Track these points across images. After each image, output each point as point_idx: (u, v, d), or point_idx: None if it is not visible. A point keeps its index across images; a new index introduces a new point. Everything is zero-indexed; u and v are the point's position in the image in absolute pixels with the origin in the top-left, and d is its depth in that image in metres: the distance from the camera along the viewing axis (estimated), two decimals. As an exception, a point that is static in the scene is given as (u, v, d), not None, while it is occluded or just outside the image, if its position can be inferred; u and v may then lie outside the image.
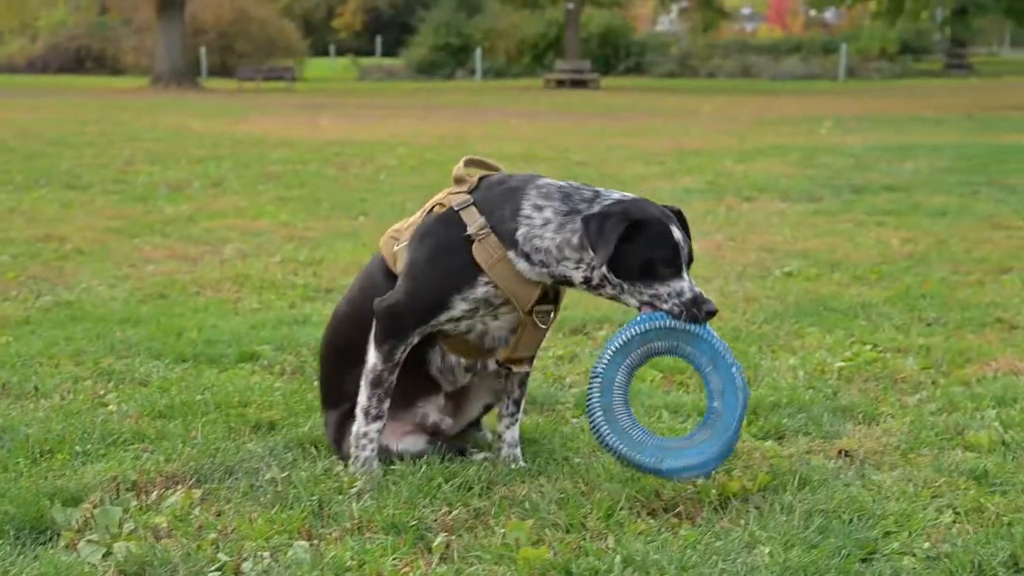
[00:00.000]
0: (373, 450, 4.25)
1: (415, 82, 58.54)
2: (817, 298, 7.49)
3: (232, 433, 4.76)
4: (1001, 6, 54.69)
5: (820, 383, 5.56)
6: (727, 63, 62.31)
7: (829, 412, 5.06)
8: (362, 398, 4.24)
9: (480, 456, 4.44)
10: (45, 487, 4.06)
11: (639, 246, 3.91)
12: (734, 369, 4.03)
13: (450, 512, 3.88)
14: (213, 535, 3.71)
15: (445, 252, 4.10)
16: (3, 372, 5.65)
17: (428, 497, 4.00)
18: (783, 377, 5.66)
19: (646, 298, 3.98)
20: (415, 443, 4.42)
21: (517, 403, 4.45)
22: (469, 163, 4.33)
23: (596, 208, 3.98)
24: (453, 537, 3.71)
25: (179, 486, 4.14)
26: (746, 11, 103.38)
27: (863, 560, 3.59)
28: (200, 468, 4.31)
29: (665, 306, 3.96)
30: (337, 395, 4.48)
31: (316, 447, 4.54)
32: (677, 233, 3.97)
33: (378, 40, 79.54)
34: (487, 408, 4.64)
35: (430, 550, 3.63)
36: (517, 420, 4.46)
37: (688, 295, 3.96)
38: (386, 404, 4.24)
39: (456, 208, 4.13)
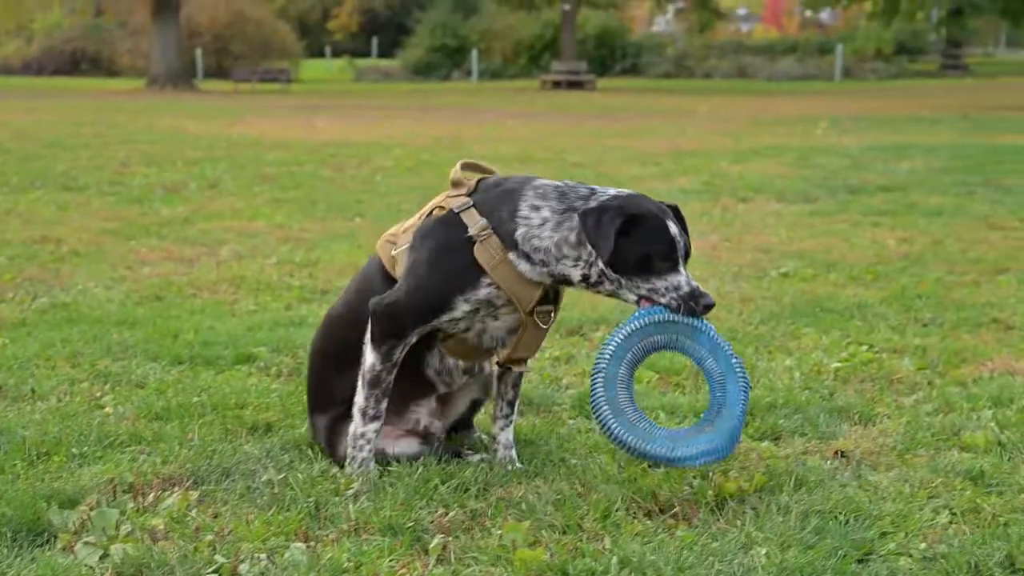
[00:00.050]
0: (370, 451, 4.26)
1: (411, 83, 58.52)
2: (813, 299, 7.50)
3: (229, 435, 4.76)
4: (996, 7, 54.71)
5: (816, 384, 5.57)
6: (723, 64, 62.31)
7: (825, 413, 5.07)
8: (359, 398, 4.24)
9: (476, 458, 4.44)
10: (42, 489, 4.06)
11: (636, 240, 3.94)
12: (734, 359, 4.07)
13: (447, 514, 3.88)
14: (210, 537, 3.71)
15: (447, 253, 4.10)
16: (0, 374, 5.65)
17: (425, 499, 4.00)
18: (779, 378, 5.66)
19: (644, 292, 4.01)
20: (409, 446, 4.42)
21: (511, 404, 4.46)
22: (465, 167, 4.34)
23: (593, 204, 4.00)
24: (450, 539, 3.71)
25: (176, 488, 4.14)
26: (742, 12, 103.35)
27: (859, 561, 3.59)
28: (197, 470, 4.31)
29: (663, 300, 3.99)
30: (328, 399, 4.48)
31: (313, 449, 4.54)
32: (673, 227, 3.99)
33: (374, 41, 79.63)
34: (475, 404, 4.66)
35: (427, 552, 3.63)
36: (511, 422, 4.47)
37: (685, 289, 3.99)
38: (383, 404, 4.24)
39: (456, 210, 4.14)
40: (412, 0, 77.37)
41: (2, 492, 4.02)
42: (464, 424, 4.80)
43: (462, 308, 4.11)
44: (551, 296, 4.21)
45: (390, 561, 3.55)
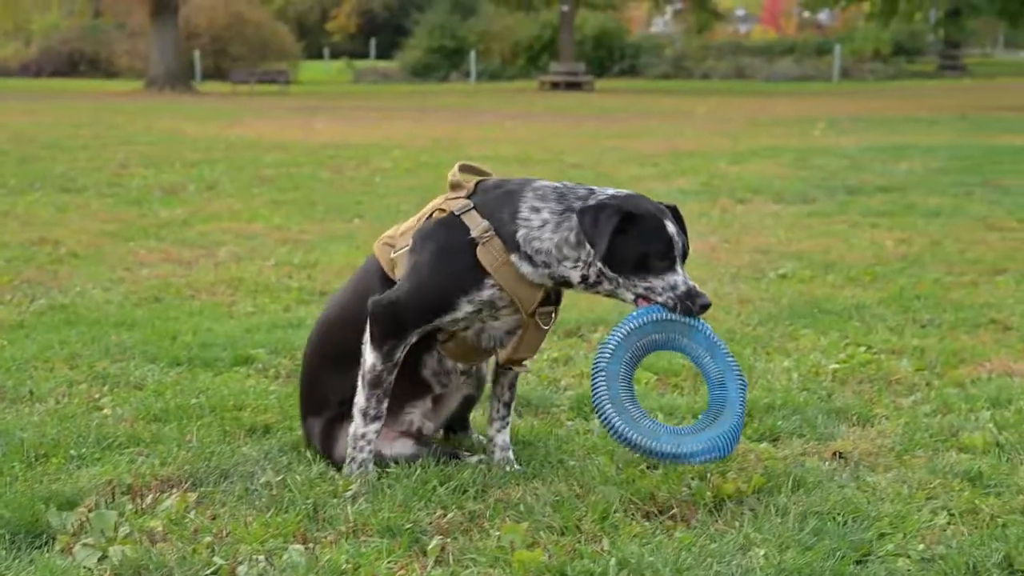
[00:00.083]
0: (370, 452, 4.26)
1: (410, 85, 58.53)
2: (811, 300, 7.50)
3: (227, 437, 4.76)
4: (994, 7, 54.70)
5: (814, 385, 5.57)
6: (721, 64, 62.32)
7: (823, 414, 5.07)
8: (360, 399, 4.23)
9: (474, 459, 4.44)
10: (40, 491, 4.06)
11: (633, 239, 3.95)
12: (730, 358, 4.10)
13: (445, 515, 3.88)
14: (208, 539, 3.71)
15: (449, 255, 4.11)
16: (-2, 376, 5.65)
17: (423, 500, 4.00)
18: (777, 379, 5.67)
19: (641, 291, 4.02)
20: (404, 447, 4.42)
21: (507, 406, 4.46)
22: (463, 169, 4.34)
23: (591, 203, 4.01)
24: (448, 540, 3.71)
25: (174, 490, 4.14)
26: (740, 13, 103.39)
27: (858, 562, 3.59)
28: (195, 472, 4.31)
29: (660, 299, 4.00)
30: (322, 401, 4.47)
31: (310, 451, 4.54)
32: (671, 227, 4.01)
33: (372, 43, 79.62)
34: (467, 400, 4.66)
35: (425, 553, 3.63)
36: (508, 423, 4.48)
37: (682, 288, 4.00)
38: (384, 405, 4.24)
39: (457, 213, 4.14)
40: (410, 1, 77.39)
41: (1, 494, 4.02)
42: (461, 424, 4.81)
43: (464, 309, 4.11)
44: (552, 297, 4.22)
45: (388, 563, 3.55)
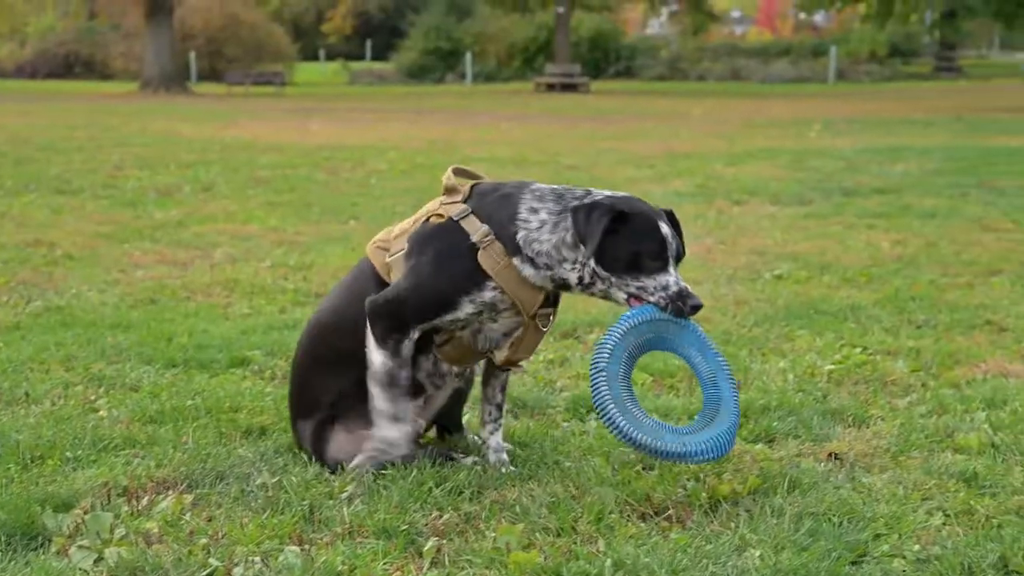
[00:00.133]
0: (400, 457, 4.24)
1: (405, 86, 58.56)
2: (807, 301, 7.51)
3: (223, 438, 4.75)
4: (990, 9, 54.84)
5: (810, 386, 5.57)
6: (717, 66, 62.39)
7: (819, 415, 5.07)
8: (379, 403, 4.20)
9: (469, 460, 4.43)
10: (36, 493, 4.06)
11: (625, 238, 3.97)
12: (720, 357, 4.15)
13: (441, 516, 3.88)
14: (204, 540, 3.71)
15: (449, 258, 4.11)
16: (-7, 378, 5.65)
17: (419, 502, 4.00)
18: (773, 380, 5.67)
19: (633, 290, 4.04)
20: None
21: (499, 408, 4.47)
22: (457, 172, 4.34)
23: (586, 202, 4.02)
24: (444, 541, 3.71)
25: (170, 491, 4.14)
26: (736, 14, 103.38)
27: (853, 563, 3.59)
28: (191, 473, 4.31)
29: (652, 298, 4.02)
30: (312, 404, 4.45)
31: (306, 452, 4.54)
32: (665, 228, 4.02)
33: (368, 44, 79.61)
34: (458, 393, 4.64)
35: (421, 554, 3.63)
36: (500, 425, 4.48)
37: (674, 288, 4.01)
38: (408, 405, 4.23)
39: (456, 218, 4.14)
40: (406, 3, 77.45)
41: (-4, 496, 4.03)
42: (455, 425, 4.81)
43: (466, 309, 4.12)
44: (551, 299, 4.23)
45: (384, 564, 3.55)
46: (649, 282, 4.01)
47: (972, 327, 6.83)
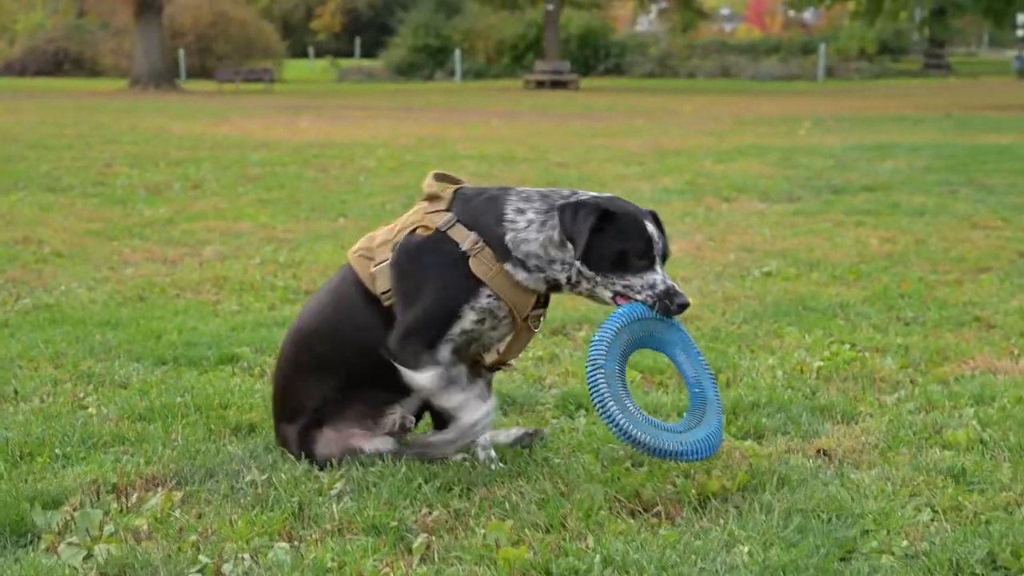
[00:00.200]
0: (485, 429, 4.22)
1: (394, 83, 58.50)
2: (796, 298, 7.51)
3: (212, 435, 4.75)
4: (979, 6, 54.85)
5: (799, 383, 5.58)
6: (706, 63, 62.48)
7: (808, 412, 5.08)
8: (453, 402, 4.14)
9: (459, 457, 4.43)
10: (25, 490, 4.05)
11: (611, 237, 4.00)
12: (700, 357, 4.22)
13: (430, 513, 3.89)
14: (194, 537, 3.71)
15: (440, 269, 4.10)
16: (-18, 375, 5.64)
17: (408, 498, 4.00)
18: (762, 377, 5.68)
19: (619, 289, 4.05)
20: (384, 443, 4.40)
21: None
22: (437, 178, 4.34)
23: (572, 200, 4.04)
24: (433, 538, 3.71)
25: (159, 488, 4.14)
26: (725, 11, 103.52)
27: (842, 559, 3.60)
28: (180, 470, 4.31)
29: (639, 297, 4.03)
30: (297, 409, 4.44)
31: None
32: (651, 227, 4.04)
33: (357, 41, 79.55)
34: None
35: (410, 551, 3.63)
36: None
37: (661, 287, 4.04)
38: (470, 386, 4.21)
39: (443, 228, 4.13)
40: (395, 0, 77.34)
41: (-15, 493, 4.02)
42: (442, 421, 4.79)
43: (469, 317, 4.11)
44: (542, 300, 4.23)
45: (374, 560, 3.56)
46: (636, 280, 4.03)
47: (961, 324, 6.84)
